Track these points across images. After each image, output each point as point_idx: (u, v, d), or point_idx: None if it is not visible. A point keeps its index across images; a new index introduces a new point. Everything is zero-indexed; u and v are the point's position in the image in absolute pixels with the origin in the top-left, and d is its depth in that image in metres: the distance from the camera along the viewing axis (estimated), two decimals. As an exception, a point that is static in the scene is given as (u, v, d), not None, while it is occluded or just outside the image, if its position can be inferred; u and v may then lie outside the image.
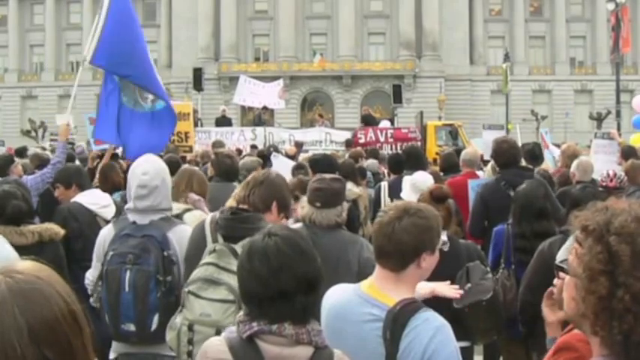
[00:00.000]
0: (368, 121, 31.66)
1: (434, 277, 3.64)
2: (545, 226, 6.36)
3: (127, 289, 5.00)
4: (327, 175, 5.65)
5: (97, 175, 9.12)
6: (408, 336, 3.22)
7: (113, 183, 8.64)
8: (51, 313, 1.62)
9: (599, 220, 2.13)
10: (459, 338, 4.68)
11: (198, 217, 6.96)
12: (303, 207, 5.46)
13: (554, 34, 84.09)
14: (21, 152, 16.72)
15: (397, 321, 3.25)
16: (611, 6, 41.33)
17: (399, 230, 3.35)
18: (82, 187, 7.70)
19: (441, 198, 6.07)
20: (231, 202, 5.20)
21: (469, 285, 5.42)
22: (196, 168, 8.82)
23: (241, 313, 3.03)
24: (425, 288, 4.13)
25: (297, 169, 9.99)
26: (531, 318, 5.87)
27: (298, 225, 5.51)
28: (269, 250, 2.95)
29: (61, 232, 6.24)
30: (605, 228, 2.11)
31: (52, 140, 29.95)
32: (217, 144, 17.67)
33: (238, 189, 5.19)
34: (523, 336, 6.23)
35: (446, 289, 4.26)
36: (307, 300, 2.94)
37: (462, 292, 4.23)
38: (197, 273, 4.17)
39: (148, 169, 5.31)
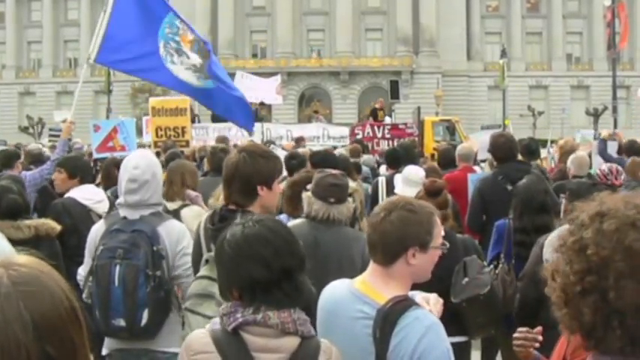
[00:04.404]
0: (376, 115, 31.77)
1: (433, 271, 3.61)
2: (545, 220, 6.34)
3: (116, 283, 4.98)
4: (333, 170, 5.62)
5: (101, 172, 9.15)
6: (397, 335, 3.15)
7: (116, 179, 8.64)
8: (55, 309, 1.59)
9: (579, 212, 2.09)
10: (456, 333, 4.68)
11: (197, 211, 6.97)
12: (311, 203, 5.40)
13: (550, 31, 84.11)
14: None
15: (387, 319, 3.19)
16: (607, 2, 41.39)
17: (384, 222, 3.31)
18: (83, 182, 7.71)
19: (435, 191, 6.09)
20: (214, 201, 5.13)
21: (466, 279, 5.41)
22: (186, 161, 8.79)
23: (224, 305, 2.99)
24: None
25: (291, 159, 9.91)
26: (530, 313, 5.87)
27: (299, 221, 5.49)
28: (266, 234, 2.98)
29: (57, 227, 6.24)
30: (574, 220, 2.08)
31: (51, 136, 29.90)
32: (221, 139, 17.52)
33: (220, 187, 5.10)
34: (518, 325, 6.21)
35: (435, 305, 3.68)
36: (302, 278, 2.98)
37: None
38: (192, 288, 4.13)
39: (139, 163, 5.27)
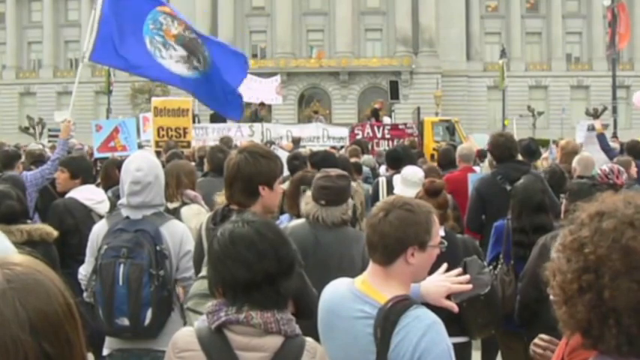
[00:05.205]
0: (377, 116, 31.83)
1: (431, 272, 3.62)
2: (543, 220, 6.35)
3: (121, 282, 5.01)
4: (334, 172, 5.55)
5: (100, 172, 9.18)
6: (398, 334, 3.16)
7: (116, 180, 8.65)
8: (51, 307, 1.60)
9: (580, 212, 2.09)
10: (456, 333, 4.69)
11: (196, 210, 6.98)
12: (307, 203, 5.40)
13: (550, 31, 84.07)
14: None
15: (388, 319, 3.19)
16: (607, 2, 41.38)
17: (383, 222, 3.32)
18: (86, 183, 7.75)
19: (434, 191, 6.09)
20: (221, 199, 5.14)
21: (467, 279, 5.43)
22: (183, 161, 8.77)
23: (210, 303, 3.02)
24: (439, 294, 3.82)
25: (293, 159, 9.96)
26: (531, 313, 5.87)
27: (300, 221, 5.51)
28: (253, 236, 2.98)
29: (54, 232, 6.16)
30: (575, 219, 2.08)
31: (50, 137, 29.98)
32: (225, 140, 17.51)
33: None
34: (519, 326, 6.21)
35: (456, 286, 3.89)
36: (288, 283, 2.98)
37: (468, 277, 3.98)
38: (194, 288, 4.15)
39: (141, 165, 5.29)
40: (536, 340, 3.47)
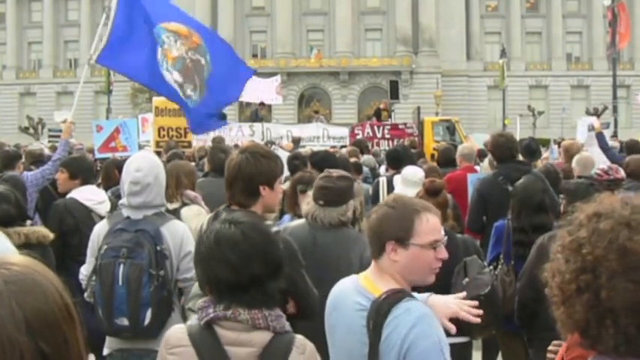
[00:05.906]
0: (380, 115, 31.83)
1: (438, 275, 3.61)
2: (543, 219, 6.36)
3: (120, 282, 5.01)
4: (335, 172, 5.54)
5: (101, 172, 9.18)
6: (389, 326, 3.18)
7: (116, 180, 8.66)
8: (48, 306, 1.59)
9: (579, 213, 2.10)
10: (456, 334, 4.70)
11: (196, 211, 6.97)
12: (308, 203, 5.41)
13: (550, 30, 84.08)
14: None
15: (380, 311, 3.22)
16: (607, 2, 41.39)
17: (371, 219, 3.41)
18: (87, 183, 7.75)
19: (434, 191, 6.09)
20: None
21: (467, 279, 5.41)
22: (182, 162, 8.78)
23: (201, 300, 3.05)
24: (444, 314, 3.57)
25: (293, 159, 9.96)
26: (530, 314, 5.88)
27: (301, 221, 5.51)
28: (237, 237, 3.00)
29: (50, 235, 6.10)
30: (574, 220, 2.09)
31: (50, 137, 29.92)
32: (217, 140, 17.58)
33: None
34: (519, 326, 6.21)
35: (463, 314, 3.61)
36: (276, 284, 3.01)
37: (481, 312, 3.67)
38: (195, 288, 4.17)
39: (141, 165, 5.29)
40: (551, 347, 3.42)
